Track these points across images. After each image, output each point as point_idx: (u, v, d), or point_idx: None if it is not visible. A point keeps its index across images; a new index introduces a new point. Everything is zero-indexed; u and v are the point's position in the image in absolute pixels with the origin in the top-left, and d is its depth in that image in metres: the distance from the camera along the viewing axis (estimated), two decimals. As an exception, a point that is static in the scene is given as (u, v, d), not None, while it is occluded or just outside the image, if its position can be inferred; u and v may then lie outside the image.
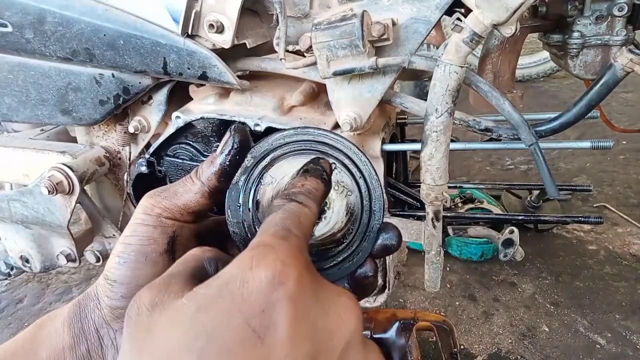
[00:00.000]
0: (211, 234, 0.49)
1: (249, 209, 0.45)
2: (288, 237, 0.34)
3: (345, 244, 0.45)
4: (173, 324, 0.30)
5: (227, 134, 0.44)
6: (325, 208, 0.45)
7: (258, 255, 0.31)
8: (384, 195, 0.49)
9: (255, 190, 0.45)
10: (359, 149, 0.45)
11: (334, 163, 0.45)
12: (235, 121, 0.91)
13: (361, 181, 0.45)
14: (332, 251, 0.44)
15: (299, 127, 0.46)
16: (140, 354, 0.30)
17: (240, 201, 0.45)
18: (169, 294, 0.33)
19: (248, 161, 0.45)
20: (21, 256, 1.22)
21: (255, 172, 0.46)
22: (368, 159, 0.45)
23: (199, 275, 0.36)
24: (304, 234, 0.36)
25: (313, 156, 0.45)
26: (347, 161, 0.45)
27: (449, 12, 0.79)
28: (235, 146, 0.44)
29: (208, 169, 0.44)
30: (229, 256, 0.39)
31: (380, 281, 1.01)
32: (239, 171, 0.45)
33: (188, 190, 0.44)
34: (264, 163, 0.46)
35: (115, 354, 0.42)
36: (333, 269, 0.44)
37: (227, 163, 0.44)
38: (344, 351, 0.32)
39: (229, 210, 0.45)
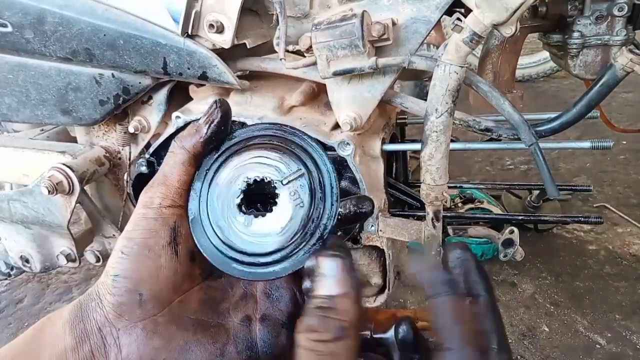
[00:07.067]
0: None
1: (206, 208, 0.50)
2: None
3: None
4: None
5: (212, 106, 0.50)
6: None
7: None
8: (334, 175, 0.52)
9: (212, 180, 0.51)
10: (315, 140, 0.54)
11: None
12: (235, 121, 0.91)
13: (312, 166, 0.52)
14: None
15: (259, 124, 0.55)
16: None
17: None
18: None
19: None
20: (21, 256, 1.22)
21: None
22: (321, 149, 0.52)
23: None
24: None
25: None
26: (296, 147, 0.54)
27: (449, 12, 0.78)
28: (221, 115, 0.50)
29: (192, 137, 0.49)
30: None
31: (380, 281, 1.01)
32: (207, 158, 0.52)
33: (175, 163, 0.48)
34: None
35: (118, 352, 0.42)
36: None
37: (213, 131, 0.50)
38: None
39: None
